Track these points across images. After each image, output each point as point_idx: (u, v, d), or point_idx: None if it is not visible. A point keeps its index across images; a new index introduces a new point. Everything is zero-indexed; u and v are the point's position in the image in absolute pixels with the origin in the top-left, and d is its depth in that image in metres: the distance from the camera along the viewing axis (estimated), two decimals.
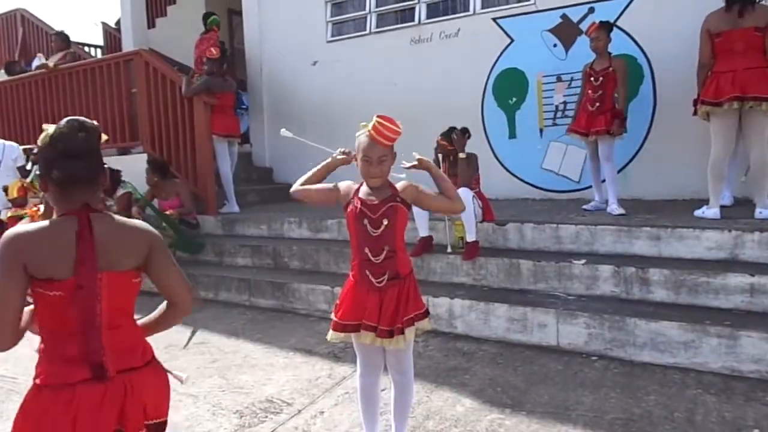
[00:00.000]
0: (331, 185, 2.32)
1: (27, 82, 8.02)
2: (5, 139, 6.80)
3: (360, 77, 6.92)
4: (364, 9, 6.95)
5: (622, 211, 4.51)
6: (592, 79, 4.72)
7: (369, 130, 2.11)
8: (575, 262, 3.90)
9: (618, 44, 5.01)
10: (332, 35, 7.24)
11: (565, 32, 5.71)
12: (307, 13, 7.35)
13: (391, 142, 2.12)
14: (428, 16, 6.51)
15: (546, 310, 3.61)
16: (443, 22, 6.39)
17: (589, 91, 4.73)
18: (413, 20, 6.60)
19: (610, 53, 4.72)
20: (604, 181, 4.86)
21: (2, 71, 9.77)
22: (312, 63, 7.35)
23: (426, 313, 2.29)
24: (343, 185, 2.31)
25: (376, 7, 6.88)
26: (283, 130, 2.39)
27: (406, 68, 6.61)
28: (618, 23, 5.32)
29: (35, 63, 8.60)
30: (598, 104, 4.66)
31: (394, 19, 6.83)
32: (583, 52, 5.14)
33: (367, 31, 6.95)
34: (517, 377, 3.21)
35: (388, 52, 6.74)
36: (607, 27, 4.71)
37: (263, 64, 7.78)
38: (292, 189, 2.38)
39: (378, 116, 2.10)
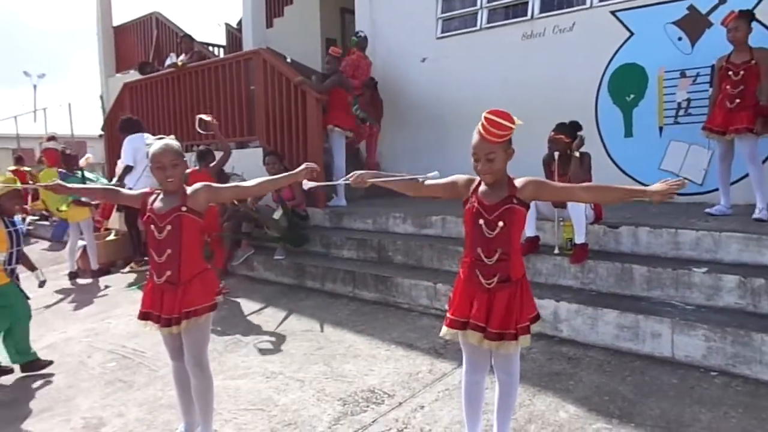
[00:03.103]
0: (450, 180, 2.29)
1: (159, 80, 8.73)
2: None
3: (470, 74, 6.87)
4: (476, 4, 6.89)
5: None
6: (730, 73, 4.34)
7: (477, 127, 2.09)
8: (695, 270, 3.65)
9: (753, 37, 4.60)
10: (442, 31, 7.24)
11: (692, 24, 5.33)
12: (418, 10, 7.40)
13: (498, 138, 2.06)
14: (542, 11, 6.33)
15: (660, 319, 3.41)
16: (558, 16, 6.19)
17: (728, 87, 4.35)
18: (526, 15, 6.45)
19: (750, 45, 4.34)
20: (733, 183, 4.49)
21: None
22: (421, 60, 7.39)
23: (537, 317, 2.26)
24: (463, 179, 2.28)
25: (488, 2, 6.79)
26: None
27: (517, 64, 6.48)
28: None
29: (168, 62, 9.34)
30: (738, 100, 4.29)
31: (506, 14, 6.70)
32: (711, 45, 4.78)
33: (478, 27, 6.88)
34: (626, 387, 3.07)
35: (499, 47, 6.63)
36: (747, 16, 4.32)
37: (374, 61, 7.92)
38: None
39: (488, 111, 2.07)
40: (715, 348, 3.21)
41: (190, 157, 7.53)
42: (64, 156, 7.15)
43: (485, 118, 2.06)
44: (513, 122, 2.06)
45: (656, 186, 2.06)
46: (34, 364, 3.80)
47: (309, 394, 3.19)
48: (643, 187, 2.12)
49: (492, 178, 2.15)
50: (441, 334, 2.28)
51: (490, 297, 2.16)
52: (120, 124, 6.87)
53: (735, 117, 4.30)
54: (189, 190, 2.51)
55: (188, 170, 5.70)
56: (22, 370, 3.78)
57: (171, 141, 2.55)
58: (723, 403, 2.84)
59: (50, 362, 3.86)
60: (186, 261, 2.46)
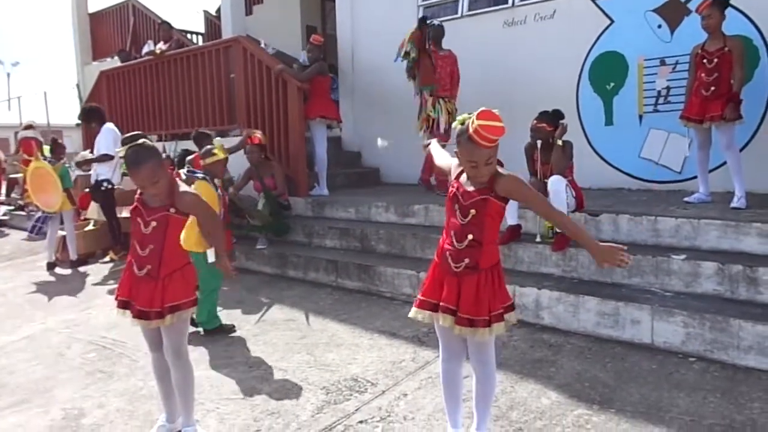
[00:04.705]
0: (451, 160, 2.35)
1: (137, 68, 8.59)
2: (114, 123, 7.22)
3: None
4: None
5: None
6: (705, 61, 4.38)
7: (471, 134, 2.00)
8: (674, 257, 3.70)
9: (732, 24, 4.65)
10: None
11: (672, 12, 5.36)
12: None
13: (495, 143, 2.01)
14: None
15: (640, 306, 3.45)
16: (538, 4, 6.18)
17: (703, 75, 4.38)
18: (506, 2, 6.43)
19: (723, 33, 4.38)
20: (711, 171, 4.54)
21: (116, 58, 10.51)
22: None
23: (512, 307, 2.24)
24: (456, 163, 2.27)
25: None
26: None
27: (498, 52, 6.46)
28: (733, 1, 4.92)
29: (145, 49, 9.18)
30: (713, 88, 4.32)
31: (487, 1, 6.68)
32: (690, 33, 4.81)
33: (459, 15, 6.85)
34: (606, 373, 3.11)
35: (480, 35, 6.61)
36: (720, 4, 4.35)
37: (354, 49, 7.86)
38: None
39: (478, 116, 1.99)
40: (693, 334, 3.25)
41: (169, 147, 7.47)
42: (55, 144, 7.07)
43: (481, 126, 1.97)
44: (501, 119, 2.00)
45: (605, 250, 2.16)
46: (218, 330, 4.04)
47: (292, 383, 3.18)
48: (596, 243, 2.20)
49: (488, 177, 2.11)
50: (410, 315, 2.28)
51: (459, 281, 2.15)
52: (89, 113, 6.63)
53: (710, 105, 4.33)
54: (181, 188, 2.46)
55: (192, 156, 5.64)
56: (206, 334, 4.00)
57: (143, 156, 2.34)
58: (701, 388, 2.88)
59: (233, 328, 4.09)
60: (167, 258, 2.44)
